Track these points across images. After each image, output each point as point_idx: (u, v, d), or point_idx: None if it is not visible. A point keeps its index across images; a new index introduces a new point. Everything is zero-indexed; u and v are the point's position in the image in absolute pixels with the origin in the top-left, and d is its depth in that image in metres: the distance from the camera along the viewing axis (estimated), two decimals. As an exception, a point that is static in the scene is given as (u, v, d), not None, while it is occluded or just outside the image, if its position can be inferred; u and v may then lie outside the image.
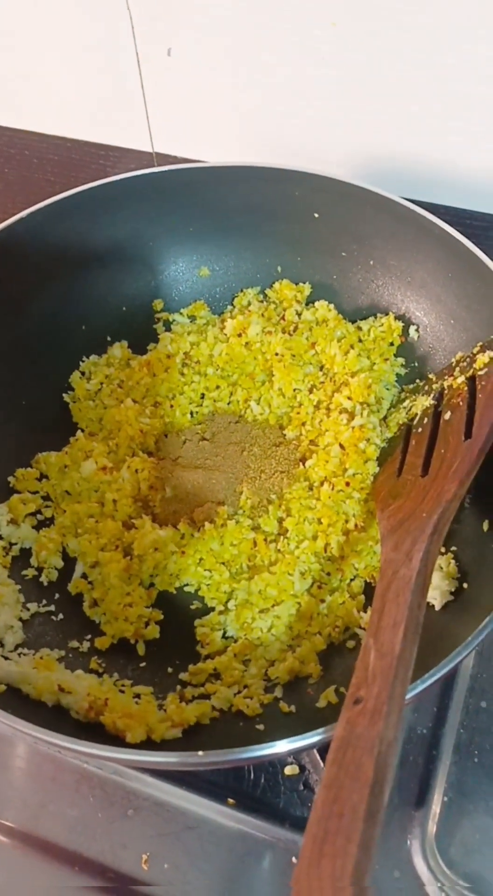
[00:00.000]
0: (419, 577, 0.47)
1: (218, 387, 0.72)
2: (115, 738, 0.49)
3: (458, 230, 0.64)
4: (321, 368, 0.71)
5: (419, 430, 0.61)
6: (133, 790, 0.60)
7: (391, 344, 0.70)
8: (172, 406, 0.71)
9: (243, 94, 0.75)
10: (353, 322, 0.73)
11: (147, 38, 0.74)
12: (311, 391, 0.69)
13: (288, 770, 0.59)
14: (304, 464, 0.66)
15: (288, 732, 0.45)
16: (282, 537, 0.62)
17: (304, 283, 0.75)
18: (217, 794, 0.59)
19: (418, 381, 0.69)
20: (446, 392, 0.62)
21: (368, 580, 0.61)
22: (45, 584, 0.62)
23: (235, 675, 0.56)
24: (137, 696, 0.54)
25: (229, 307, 0.77)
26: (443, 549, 0.59)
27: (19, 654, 0.55)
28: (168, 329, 0.76)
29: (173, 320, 0.77)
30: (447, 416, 0.59)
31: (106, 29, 0.75)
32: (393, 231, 0.69)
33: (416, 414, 0.64)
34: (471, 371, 0.60)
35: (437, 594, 0.56)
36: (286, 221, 0.73)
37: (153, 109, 0.80)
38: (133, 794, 0.60)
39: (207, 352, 0.72)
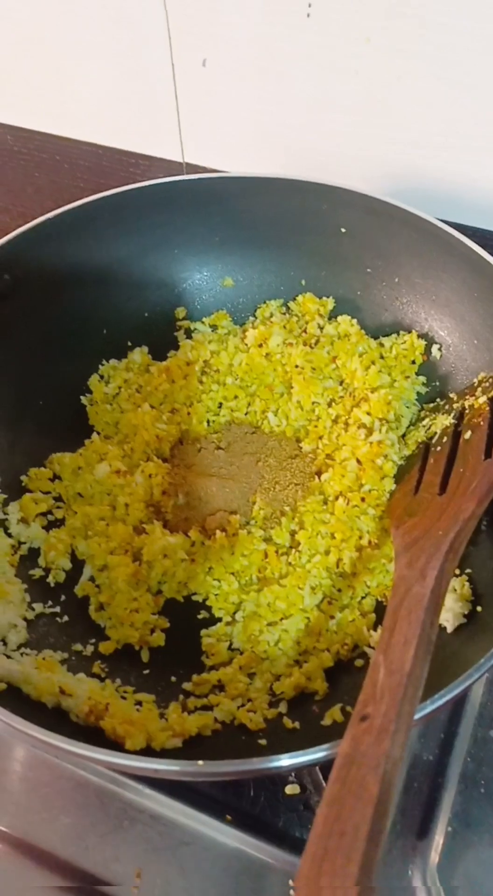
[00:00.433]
0: (433, 596, 0.46)
1: (236, 396, 0.72)
2: (114, 745, 0.48)
3: (485, 251, 0.64)
4: (341, 383, 0.70)
5: (438, 448, 0.61)
6: (130, 801, 0.58)
7: (413, 362, 0.70)
8: (189, 413, 0.71)
9: (274, 107, 0.76)
10: (375, 338, 0.72)
11: (183, 49, 0.75)
12: (330, 405, 0.69)
13: (289, 789, 0.57)
14: (319, 477, 0.65)
15: (291, 749, 0.44)
16: (294, 550, 0.61)
17: (327, 297, 0.74)
18: (215, 809, 0.57)
19: (438, 400, 0.68)
20: (466, 411, 0.61)
21: (379, 599, 0.60)
22: (52, 585, 0.61)
23: (239, 688, 0.55)
24: (139, 703, 0.53)
25: (251, 318, 0.77)
26: (458, 572, 0.58)
27: (22, 654, 0.55)
28: (189, 337, 0.76)
29: (195, 329, 0.76)
30: (468, 435, 0.58)
31: (142, 37, 0.76)
32: (419, 249, 0.69)
33: (435, 432, 0.63)
34: (493, 391, 0.59)
35: (450, 616, 0.55)
36: (312, 235, 0.73)
37: (185, 119, 0.81)
38: (129, 806, 0.58)
39: (226, 361, 0.72)
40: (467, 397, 0.63)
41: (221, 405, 0.72)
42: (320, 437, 0.67)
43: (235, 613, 0.60)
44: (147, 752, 0.48)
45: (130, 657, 0.58)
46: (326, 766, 0.55)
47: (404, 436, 0.66)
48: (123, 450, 0.68)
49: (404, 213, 0.67)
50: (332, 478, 0.63)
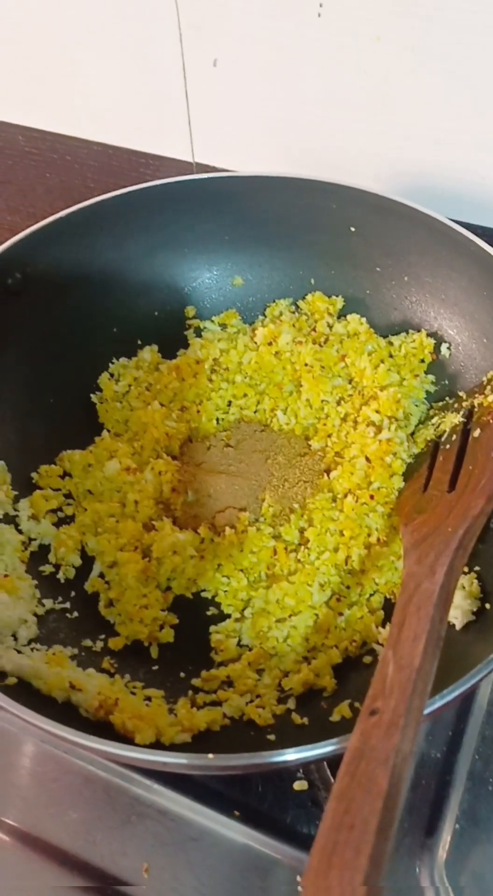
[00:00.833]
0: (442, 592, 0.46)
1: (245, 394, 0.72)
2: (124, 739, 0.48)
3: (494, 250, 0.64)
4: (350, 381, 0.70)
5: (447, 446, 0.61)
6: (137, 796, 0.59)
7: (422, 360, 0.70)
8: (198, 411, 0.71)
9: (285, 107, 0.76)
10: (384, 337, 0.72)
11: (194, 48, 0.75)
12: (339, 403, 0.69)
13: (297, 785, 0.57)
14: (328, 475, 0.65)
15: (300, 744, 0.44)
16: (303, 547, 0.61)
17: (337, 296, 0.75)
18: (223, 805, 0.57)
19: (447, 398, 0.68)
20: (476, 410, 0.61)
21: (388, 596, 0.60)
22: (62, 581, 0.61)
23: (248, 684, 0.55)
24: (148, 698, 0.54)
25: (261, 317, 0.77)
26: (466, 569, 0.58)
27: (32, 649, 0.55)
28: (199, 336, 0.76)
29: (204, 327, 0.77)
30: (476, 433, 0.59)
31: (153, 37, 0.76)
32: (429, 248, 0.69)
33: (444, 431, 0.63)
34: (503, 390, 0.59)
35: (458, 613, 0.55)
36: (322, 234, 0.73)
37: (196, 119, 0.81)
38: (137, 801, 0.59)
39: (236, 359, 0.72)
40: (476, 396, 0.63)
41: (230, 403, 0.72)
42: (329, 435, 0.68)
43: (243, 610, 0.60)
44: (156, 746, 0.48)
45: (139, 653, 0.58)
46: (334, 761, 0.55)
47: (413, 434, 0.67)
48: (133, 447, 0.68)
49: (413, 211, 0.67)
50: (341, 475, 0.64)
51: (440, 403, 0.68)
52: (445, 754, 0.60)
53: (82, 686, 0.51)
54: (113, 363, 0.74)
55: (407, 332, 0.71)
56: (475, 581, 0.57)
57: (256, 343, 0.73)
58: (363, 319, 0.73)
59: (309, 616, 0.58)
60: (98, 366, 0.73)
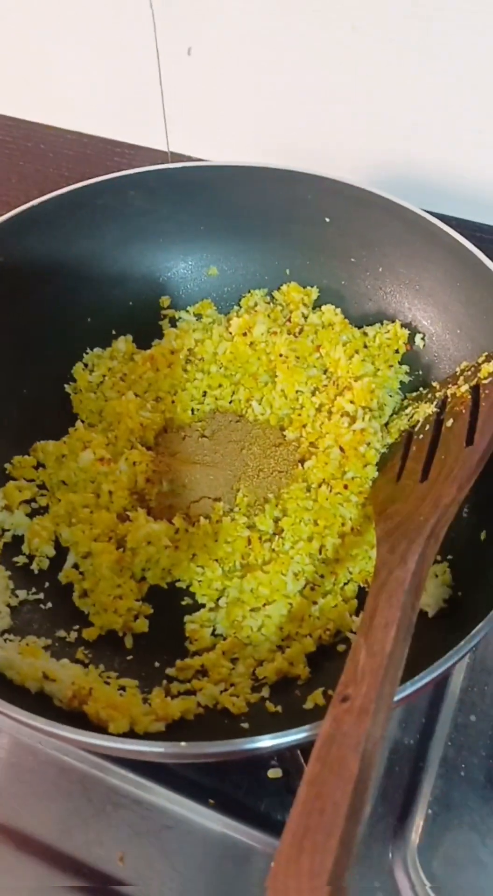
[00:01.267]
0: (414, 579, 0.46)
1: (220, 385, 0.72)
2: (98, 729, 0.48)
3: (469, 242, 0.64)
4: (325, 372, 0.71)
5: (421, 436, 0.61)
6: (112, 786, 0.59)
7: (397, 351, 0.70)
8: (173, 402, 0.71)
9: (260, 97, 0.76)
10: (359, 328, 0.72)
11: (168, 38, 0.75)
12: (313, 394, 0.69)
13: (271, 773, 0.58)
14: (303, 465, 0.65)
15: (273, 731, 0.45)
16: (277, 537, 0.62)
17: (312, 286, 0.75)
18: (198, 794, 0.57)
19: (421, 389, 0.69)
20: (449, 400, 0.62)
21: (361, 585, 0.60)
22: (36, 572, 0.61)
23: (222, 673, 0.55)
24: (122, 688, 0.54)
25: (236, 307, 0.77)
26: (439, 558, 0.58)
27: (5, 640, 0.55)
28: (174, 326, 0.76)
29: (179, 318, 0.76)
30: (449, 423, 0.59)
31: (127, 26, 0.76)
32: (404, 239, 0.69)
33: (418, 421, 0.63)
34: (475, 380, 0.60)
35: (431, 601, 0.55)
36: (297, 224, 0.73)
37: (170, 108, 0.81)
38: (112, 791, 0.59)
39: (211, 349, 0.72)
40: (449, 386, 0.63)
41: (205, 393, 0.72)
42: (304, 426, 0.68)
43: (218, 599, 0.60)
44: (131, 735, 0.48)
45: (113, 643, 0.58)
46: (307, 748, 0.55)
47: (386, 424, 0.67)
48: (108, 438, 0.68)
49: (389, 203, 0.68)
50: (315, 465, 0.64)
51: (414, 394, 0.69)
52: (418, 741, 0.60)
53: (56, 676, 0.51)
54: (87, 353, 0.73)
55: (382, 323, 0.72)
56: (448, 570, 0.57)
57: (231, 333, 0.73)
58: (338, 310, 0.73)
59: (283, 605, 0.58)
60: (72, 356, 0.73)
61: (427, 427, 0.61)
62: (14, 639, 0.55)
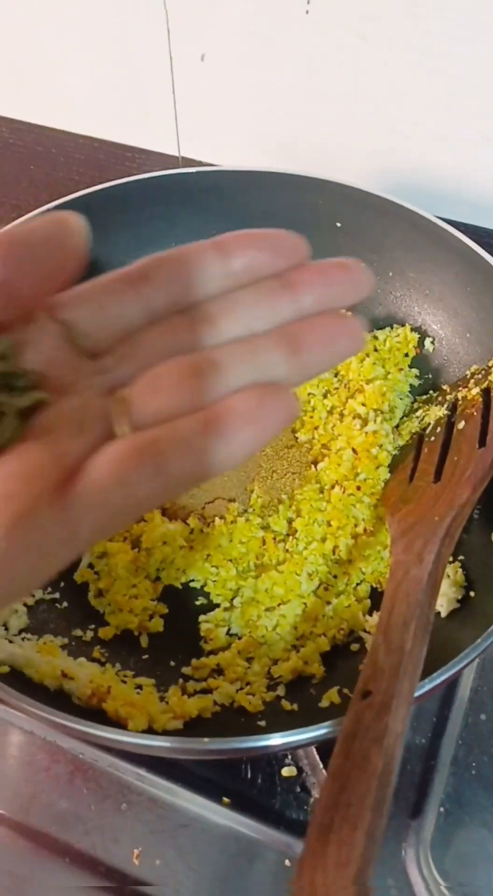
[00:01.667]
0: (431, 578, 0.47)
1: (233, 388, 0.72)
2: (116, 727, 0.48)
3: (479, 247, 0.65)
4: (336, 375, 0.71)
5: (432, 438, 0.62)
6: (128, 784, 0.59)
7: (406, 355, 0.71)
8: (186, 404, 0.71)
9: (272, 102, 0.77)
10: (369, 331, 0.73)
11: (181, 42, 0.76)
12: (325, 396, 0.70)
13: (286, 771, 0.58)
14: (315, 466, 0.66)
15: (291, 729, 0.45)
16: (291, 537, 0.62)
17: (322, 290, 0.75)
18: (212, 792, 0.58)
19: (431, 392, 0.69)
20: (460, 403, 0.63)
21: (374, 585, 0.61)
22: (52, 571, 0.61)
23: (237, 672, 0.56)
24: (139, 686, 0.54)
25: (247, 311, 0.77)
26: (451, 558, 0.59)
27: (23, 639, 0.55)
28: (185, 329, 0.76)
29: (191, 321, 0.77)
30: (461, 425, 0.60)
31: (141, 30, 0.77)
32: (414, 243, 0.70)
33: (429, 423, 0.64)
34: (486, 383, 0.61)
35: (444, 601, 0.56)
36: (308, 229, 0.72)
37: (182, 113, 0.82)
38: (127, 789, 0.59)
39: (223, 353, 0.73)
40: (459, 389, 0.64)
41: (217, 396, 0.73)
42: (316, 428, 0.69)
43: (232, 599, 0.60)
44: (149, 733, 0.49)
45: (129, 642, 0.59)
46: (322, 747, 0.57)
47: (397, 426, 0.68)
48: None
49: (399, 208, 0.68)
50: (328, 467, 0.64)
51: (424, 397, 0.70)
52: (429, 740, 0.61)
53: (74, 675, 0.52)
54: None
55: (392, 327, 0.73)
56: (460, 570, 0.58)
57: (242, 337, 0.73)
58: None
59: (298, 605, 0.59)
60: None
61: (438, 429, 0.62)
62: (31, 637, 0.56)
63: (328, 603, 0.59)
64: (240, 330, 0.29)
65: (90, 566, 0.62)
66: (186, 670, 0.57)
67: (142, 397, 0.27)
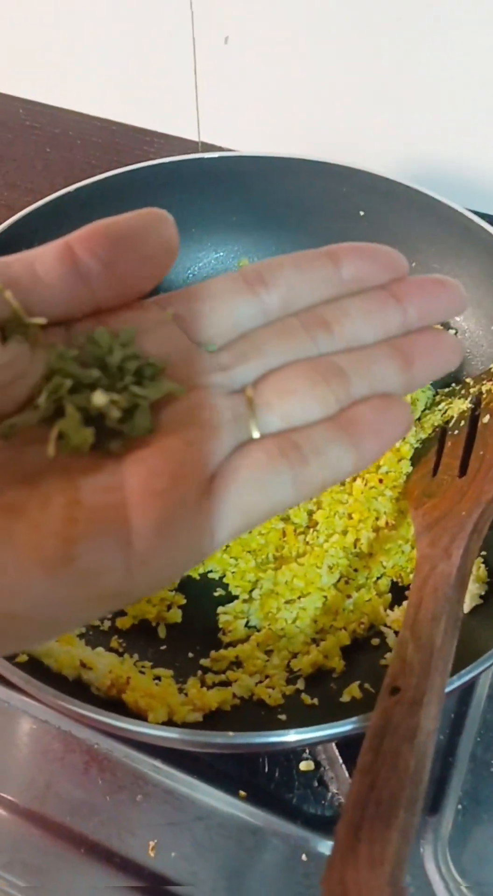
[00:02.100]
0: (459, 573, 0.46)
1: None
2: (135, 717, 0.48)
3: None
4: (357, 366, 0.70)
5: (456, 432, 0.61)
6: (143, 776, 0.59)
7: (429, 347, 0.70)
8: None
9: (296, 88, 0.75)
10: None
11: (205, 24, 0.75)
12: (346, 387, 0.69)
13: (303, 766, 0.58)
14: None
15: (311, 724, 0.45)
16: (311, 530, 0.62)
17: (344, 280, 0.74)
18: (229, 785, 0.57)
19: (454, 385, 0.68)
20: (484, 396, 0.62)
21: (395, 579, 0.60)
22: (69, 560, 0.61)
23: (257, 665, 0.55)
24: (158, 678, 0.54)
25: (266, 300, 0.76)
26: (473, 554, 0.58)
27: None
28: (203, 317, 0.76)
29: (209, 309, 0.76)
30: (486, 419, 0.59)
31: (163, 11, 0.76)
32: (438, 234, 0.69)
33: (451, 416, 0.63)
34: (512, 377, 0.60)
35: (467, 598, 0.55)
36: (331, 218, 0.73)
37: (203, 97, 0.80)
38: (143, 780, 0.59)
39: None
40: (483, 382, 0.63)
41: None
42: (337, 419, 0.68)
43: (251, 591, 0.60)
44: (169, 724, 0.48)
45: (146, 633, 0.58)
46: (341, 742, 0.56)
47: (419, 419, 0.67)
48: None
49: (424, 197, 0.67)
50: (350, 459, 0.64)
51: (447, 389, 0.69)
52: (448, 737, 0.60)
53: (93, 664, 0.51)
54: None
55: (414, 319, 0.71)
56: (482, 565, 0.57)
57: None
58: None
59: (318, 598, 0.58)
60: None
61: (462, 423, 0.61)
62: (48, 627, 0.55)
63: (349, 596, 0.59)
64: (352, 337, 0.29)
65: (108, 555, 0.61)
66: (204, 662, 0.56)
67: (271, 400, 0.27)
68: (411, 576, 0.58)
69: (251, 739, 0.44)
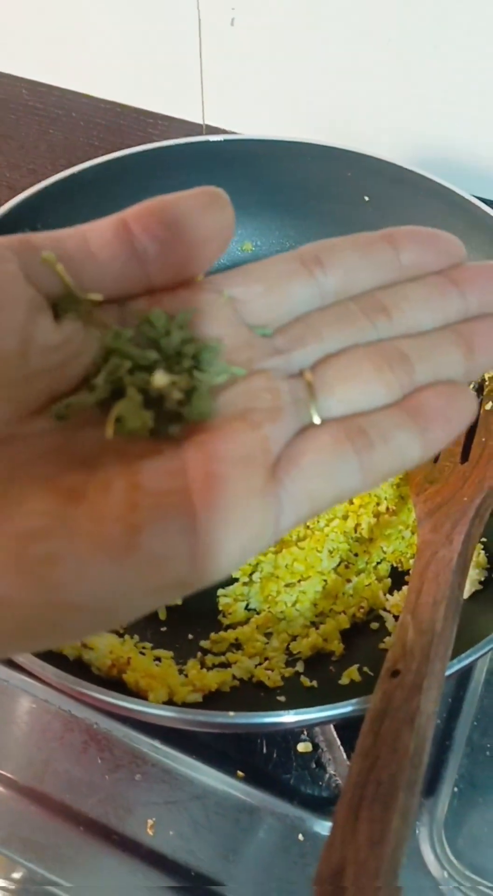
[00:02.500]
0: (460, 559, 0.47)
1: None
2: (136, 697, 0.48)
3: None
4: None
5: (458, 419, 0.61)
6: (142, 755, 0.59)
7: (432, 333, 0.70)
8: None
9: (302, 71, 0.75)
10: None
11: (211, 6, 0.74)
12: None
13: (301, 747, 0.58)
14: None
15: (310, 706, 0.45)
16: (312, 514, 0.62)
17: (348, 266, 0.74)
18: (227, 765, 0.58)
19: (456, 372, 0.68)
20: (486, 383, 0.62)
21: (395, 564, 0.60)
22: (70, 541, 0.61)
23: (256, 647, 0.56)
24: (158, 659, 0.54)
25: (270, 284, 0.76)
26: (473, 540, 0.58)
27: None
28: (206, 300, 0.75)
29: (213, 292, 0.76)
30: (489, 406, 0.59)
31: (170, -7, 0.75)
32: (444, 221, 0.68)
33: (454, 404, 0.63)
34: (515, 364, 0.60)
35: (466, 583, 0.56)
36: (336, 202, 0.73)
37: (208, 80, 0.80)
38: (141, 760, 0.59)
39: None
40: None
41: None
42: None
43: (252, 574, 0.60)
44: (169, 705, 0.48)
45: (147, 614, 0.58)
46: (339, 724, 0.57)
47: (421, 406, 0.67)
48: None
49: (431, 183, 0.67)
50: (351, 444, 0.64)
51: (449, 377, 0.69)
52: (444, 721, 0.61)
53: (94, 645, 0.51)
54: (120, 327, 0.73)
55: (417, 305, 0.71)
56: (482, 551, 0.58)
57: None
58: None
59: (318, 581, 0.59)
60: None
61: (464, 410, 0.61)
62: (49, 607, 0.55)
63: (349, 581, 0.59)
64: (412, 323, 0.28)
65: (109, 537, 0.62)
66: (204, 644, 0.57)
67: (334, 384, 0.26)
68: (411, 561, 0.58)
69: (251, 719, 0.44)
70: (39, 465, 0.23)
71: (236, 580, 0.60)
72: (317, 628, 0.57)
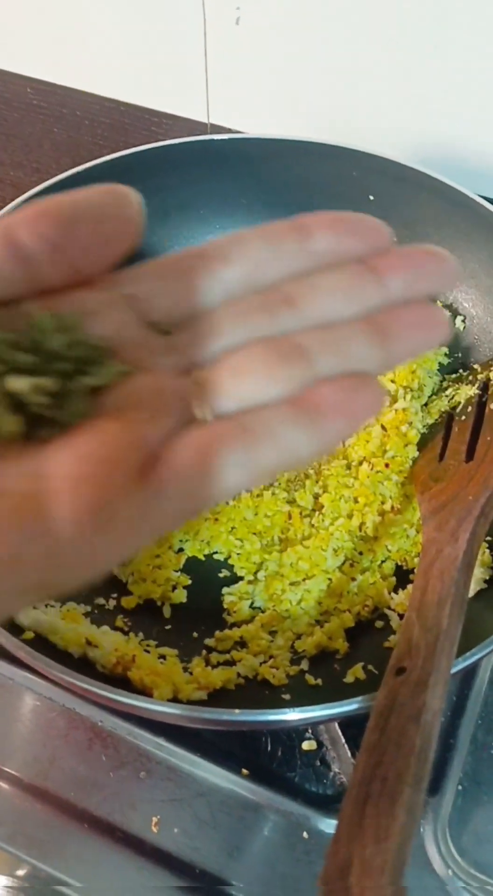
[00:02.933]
0: (465, 557, 0.47)
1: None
2: (141, 695, 0.48)
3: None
4: (364, 350, 0.70)
5: (463, 417, 0.61)
6: (146, 753, 0.59)
7: (436, 332, 0.70)
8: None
9: (307, 70, 0.75)
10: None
11: (216, 4, 0.74)
12: (353, 372, 0.69)
13: (306, 745, 0.58)
14: (343, 443, 0.65)
15: (315, 703, 0.45)
16: (317, 513, 0.62)
17: (352, 264, 0.74)
18: (231, 763, 0.58)
19: (461, 370, 0.69)
20: (491, 382, 0.62)
21: (399, 563, 0.60)
22: (75, 539, 0.61)
23: (261, 645, 0.56)
24: (163, 657, 0.54)
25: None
26: (478, 539, 0.58)
27: (46, 606, 0.55)
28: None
29: (217, 291, 0.76)
30: (493, 405, 0.59)
31: (175, -8, 0.75)
32: (448, 219, 0.69)
33: (459, 402, 0.63)
34: (520, 363, 0.60)
35: (471, 582, 0.56)
36: (340, 201, 0.73)
37: (213, 79, 0.80)
38: (146, 757, 0.59)
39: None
40: (491, 368, 0.63)
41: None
42: (343, 403, 0.68)
43: (256, 573, 0.60)
44: (174, 702, 0.49)
45: (152, 612, 0.59)
46: (344, 722, 0.57)
47: (426, 405, 0.67)
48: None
49: (435, 182, 0.67)
50: (356, 443, 0.64)
51: (454, 375, 0.69)
52: (449, 719, 0.61)
53: (98, 642, 0.52)
54: (125, 324, 0.73)
55: (422, 304, 0.71)
56: (487, 550, 0.58)
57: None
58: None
59: (322, 580, 0.59)
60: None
61: (469, 408, 0.61)
62: (55, 605, 0.55)
63: (353, 579, 0.59)
64: (322, 314, 0.28)
65: (114, 535, 0.62)
66: (209, 642, 0.57)
67: (224, 381, 0.26)
68: (415, 559, 0.59)
69: (255, 717, 0.44)
70: None
71: (241, 578, 0.60)
72: (322, 626, 0.57)
